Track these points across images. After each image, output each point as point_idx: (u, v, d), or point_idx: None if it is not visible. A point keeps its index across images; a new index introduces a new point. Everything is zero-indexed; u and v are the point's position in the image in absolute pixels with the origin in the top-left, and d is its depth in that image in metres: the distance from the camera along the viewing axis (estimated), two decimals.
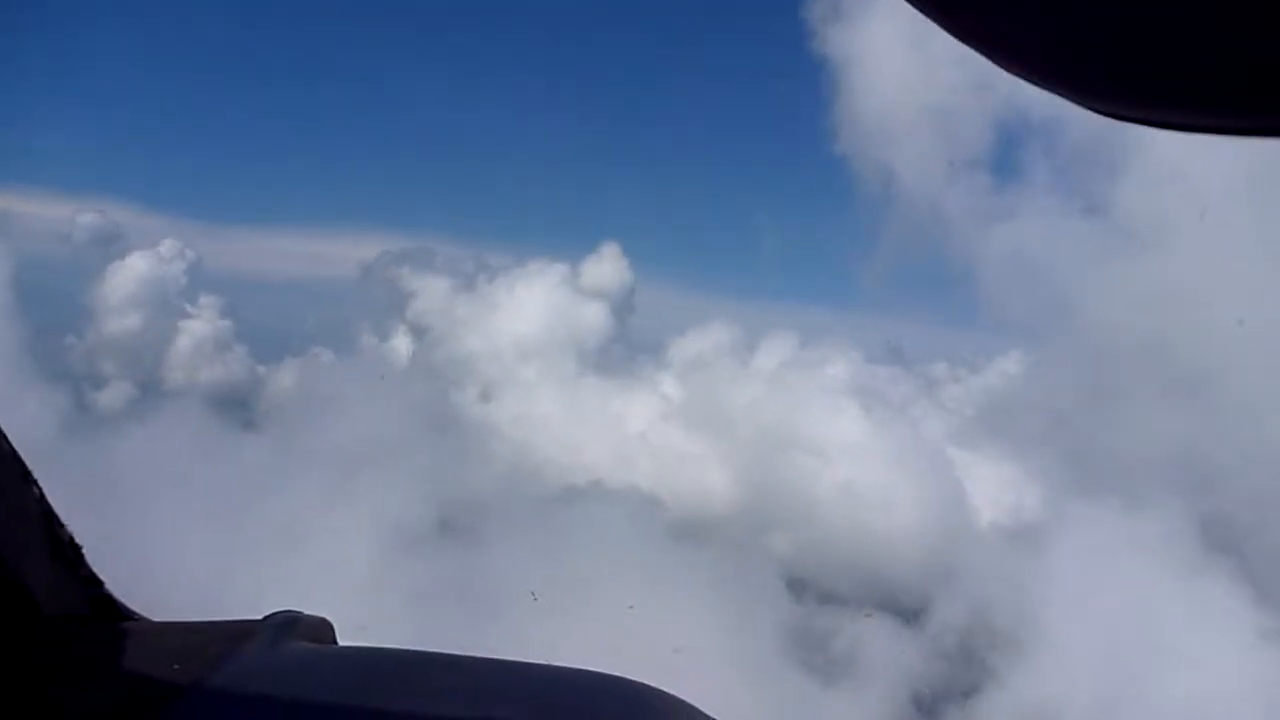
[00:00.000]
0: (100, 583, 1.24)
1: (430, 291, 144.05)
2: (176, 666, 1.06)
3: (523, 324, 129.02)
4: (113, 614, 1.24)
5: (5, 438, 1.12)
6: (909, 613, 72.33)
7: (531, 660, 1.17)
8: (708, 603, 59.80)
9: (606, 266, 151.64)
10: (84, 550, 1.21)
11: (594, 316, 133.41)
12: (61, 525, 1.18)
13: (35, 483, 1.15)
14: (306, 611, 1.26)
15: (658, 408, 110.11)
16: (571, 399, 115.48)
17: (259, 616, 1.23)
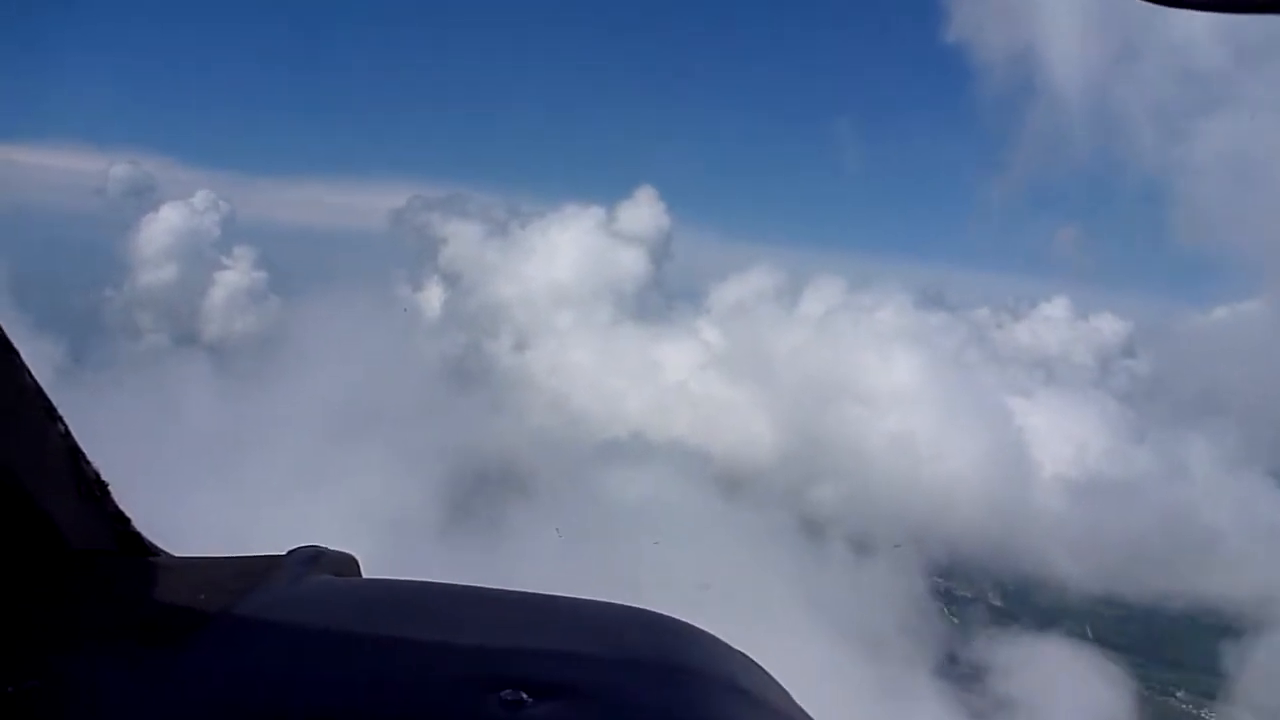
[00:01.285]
0: (127, 519, 1.25)
1: (462, 237, 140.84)
2: (202, 597, 1.09)
3: (557, 270, 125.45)
4: (139, 550, 1.26)
5: (30, 375, 1.13)
6: (967, 570, 69.28)
7: (563, 595, 1.17)
8: (762, 562, 57.24)
9: (643, 211, 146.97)
10: (110, 487, 1.23)
11: (631, 261, 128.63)
12: (88, 462, 1.20)
13: (61, 420, 1.17)
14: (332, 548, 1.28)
15: (698, 355, 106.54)
16: (609, 347, 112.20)
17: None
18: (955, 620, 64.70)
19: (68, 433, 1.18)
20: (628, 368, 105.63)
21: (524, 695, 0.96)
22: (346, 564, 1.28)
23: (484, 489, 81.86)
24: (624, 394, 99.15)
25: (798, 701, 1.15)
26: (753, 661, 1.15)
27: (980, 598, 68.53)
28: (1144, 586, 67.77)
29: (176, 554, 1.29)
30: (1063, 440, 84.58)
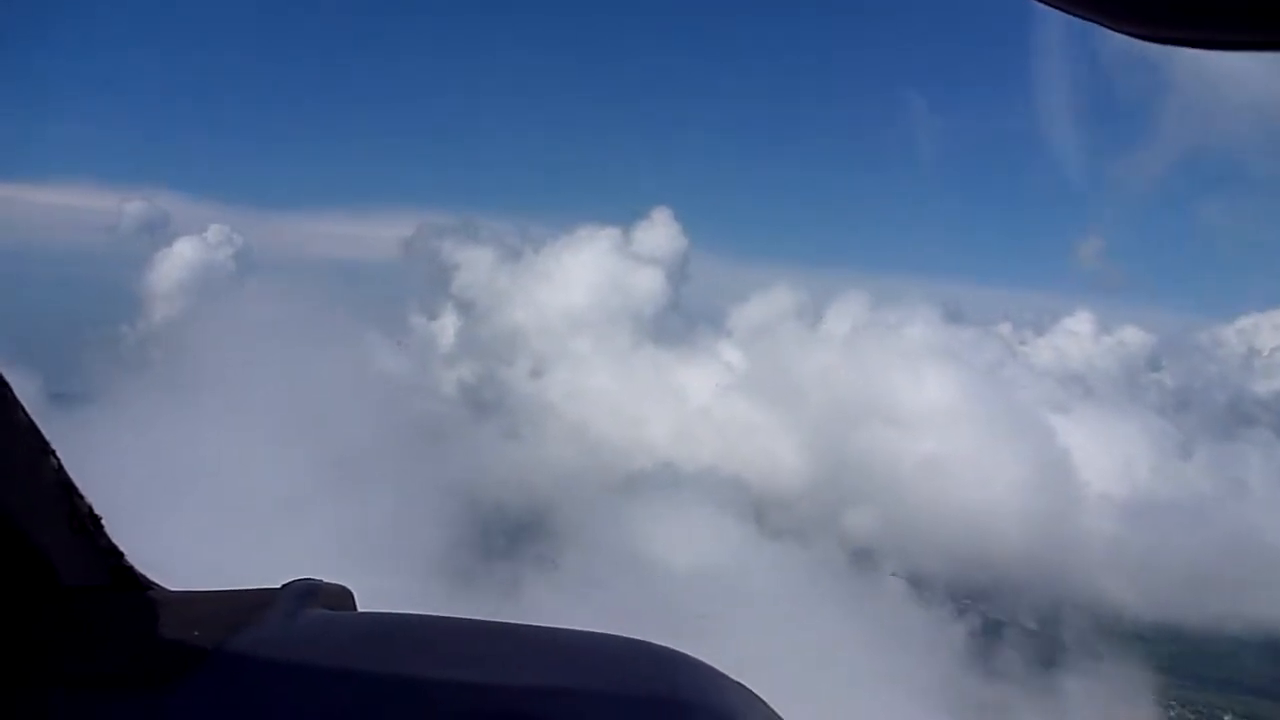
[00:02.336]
0: (120, 554, 1.25)
1: (474, 263, 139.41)
2: (196, 633, 1.09)
3: (573, 294, 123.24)
4: (132, 584, 1.26)
5: (23, 409, 1.14)
6: (1013, 600, 66.06)
7: (556, 626, 1.18)
8: (795, 592, 54.48)
9: (659, 232, 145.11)
10: (103, 522, 1.23)
11: (648, 283, 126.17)
12: (81, 496, 1.20)
13: (54, 454, 1.17)
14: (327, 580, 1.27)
15: (722, 378, 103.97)
16: (628, 372, 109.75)
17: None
18: (999, 648, 61.68)
19: (60, 467, 1.18)
20: (649, 393, 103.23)
21: None
22: (342, 597, 1.27)
23: (500, 526, 79.56)
24: (646, 420, 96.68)
25: None
26: (752, 693, 1.14)
27: (1025, 624, 65.49)
28: (1199, 610, 64.49)
29: (171, 588, 1.28)
30: (1106, 457, 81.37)
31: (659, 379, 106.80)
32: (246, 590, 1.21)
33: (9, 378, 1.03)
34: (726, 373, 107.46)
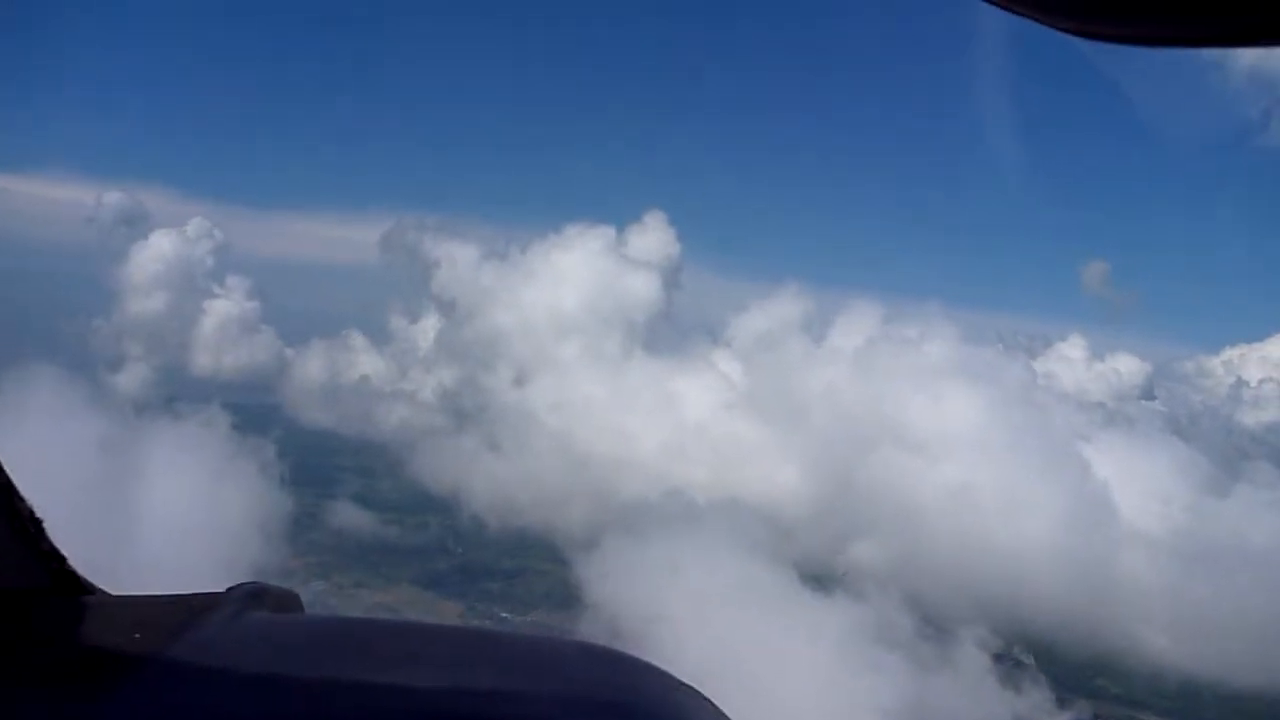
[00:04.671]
0: (62, 557, 1.24)
1: (456, 260, 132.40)
2: (137, 637, 1.08)
3: (561, 295, 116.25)
4: (74, 588, 1.25)
5: None
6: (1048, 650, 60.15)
7: (507, 629, 1.18)
8: (796, 628, 48.70)
9: (651, 236, 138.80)
10: (44, 524, 1.22)
11: (642, 287, 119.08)
12: (21, 500, 1.19)
13: None
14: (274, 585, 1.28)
15: (719, 393, 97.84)
16: (619, 382, 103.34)
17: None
18: (1026, 703, 56.29)
19: (0, 470, 1.16)
20: (640, 405, 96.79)
21: None
22: (288, 600, 1.27)
23: (480, 548, 73.12)
24: (637, 435, 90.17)
25: None
26: (700, 694, 1.15)
27: (1056, 676, 60.03)
28: (1247, 664, 59.05)
29: (115, 592, 1.27)
30: (1138, 491, 75.63)
31: (651, 390, 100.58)
32: (191, 595, 1.20)
33: None
34: (725, 386, 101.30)
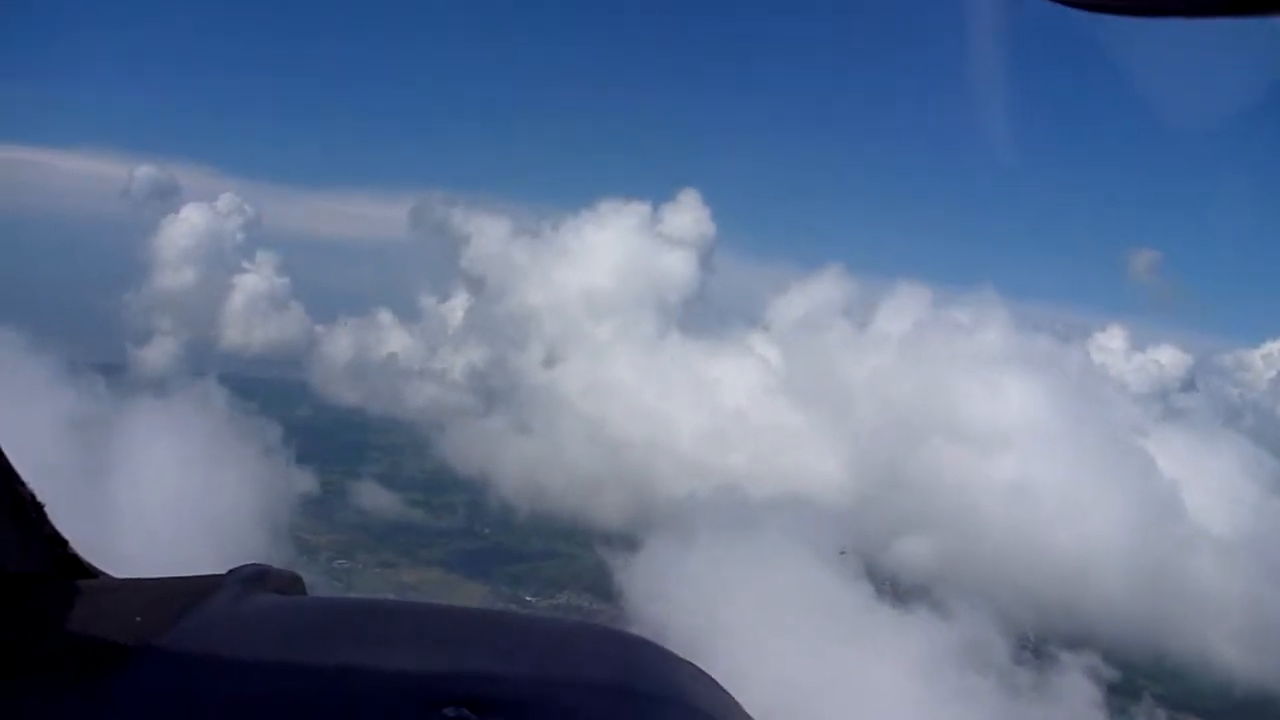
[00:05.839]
0: (64, 542, 1.25)
1: (486, 235, 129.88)
2: (139, 620, 1.08)
3: (594, 273, 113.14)
4: (77, 572, 1.26)
5: None
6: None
7: (509, 610, 1.18)
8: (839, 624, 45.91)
9: (686, 215, 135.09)
10: (46, 509, 1.22)
11: (677, 265, 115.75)
12: (22, 484, 1.19)
13: None
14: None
15: (757, 377, 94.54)
16: (653, 364, 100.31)
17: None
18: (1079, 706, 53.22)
19: (1, 454, 1.17)
20: (676, 389, 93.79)
21: (468, 712, 0.97)
22: (290, 582, 1.28)
23: (507, 531, 71.00)
24: (672, 420, 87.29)
25: (749, 713, 1.16)
26: (703, 672, 1.16)
27: (1121, 686, 57.01)
28: None
29: (118, 576, 1.28)
30: (1206, 490, 71.64)
31: (687, 373, 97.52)
32: (193, 577, 1.21)
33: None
34: (763, 370, 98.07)
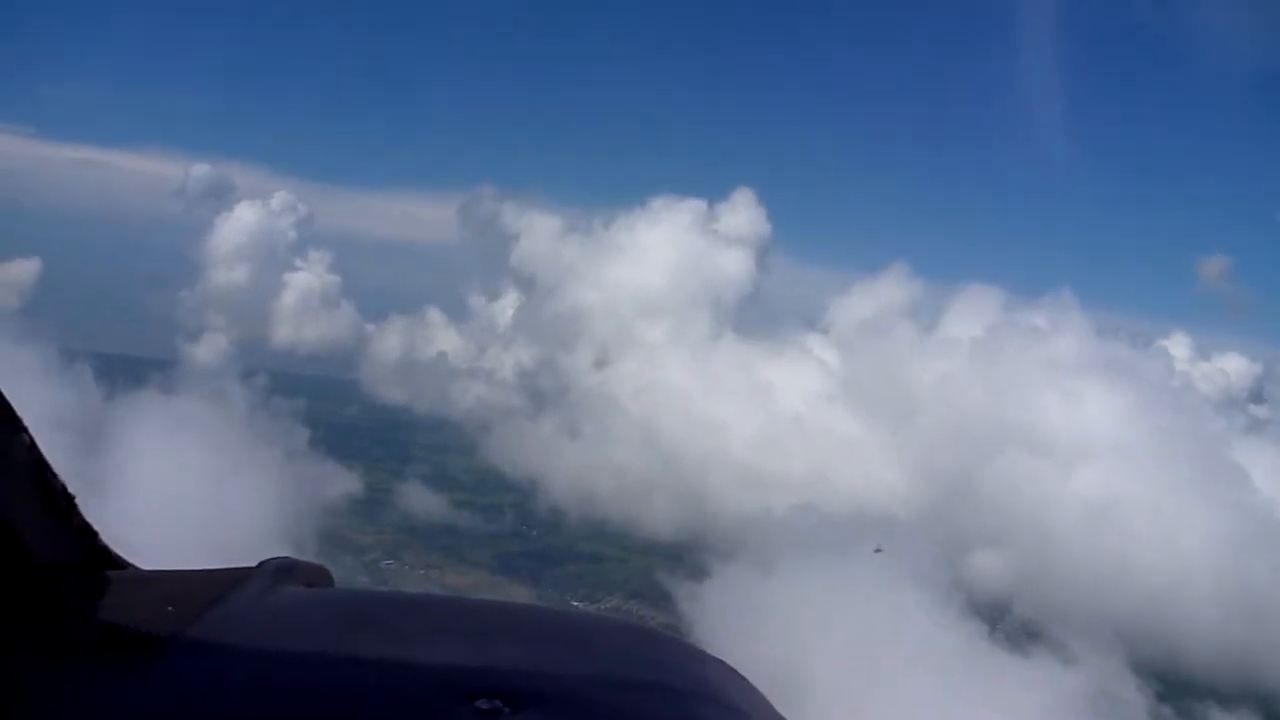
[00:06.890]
0: (94, 533, 1.25)
1: (536, 233, 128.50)
2: (169, 610, 1.09)
3: (646, 272, 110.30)
4: (107, 563, 1.27)
5: None
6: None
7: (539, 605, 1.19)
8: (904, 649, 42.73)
9: (741, 215, 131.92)
10: (77, 500, 1.23)
11: (733, 265, 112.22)
12: (54, 475, 1.20)
13: (26, 431, 1.16)
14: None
15: (816, 382, 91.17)
16: (707, 367, 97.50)
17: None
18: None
19: (33, 444, 1.17)
20: (731, 392, 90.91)
21: (501, 704, 0.97)
22: (318, 575, 1.29)
23: (555, 535, 69.10)
24: (727, 424, 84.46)
25: (778, 710, 1.16)
26: (731, 669, 1.17)
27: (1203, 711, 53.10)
28: None
29: (147, 567, 1.29)
30: None
31: (742, 377, 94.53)
32: (222, 569, 1.22)
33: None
34: (823, 374, 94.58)
